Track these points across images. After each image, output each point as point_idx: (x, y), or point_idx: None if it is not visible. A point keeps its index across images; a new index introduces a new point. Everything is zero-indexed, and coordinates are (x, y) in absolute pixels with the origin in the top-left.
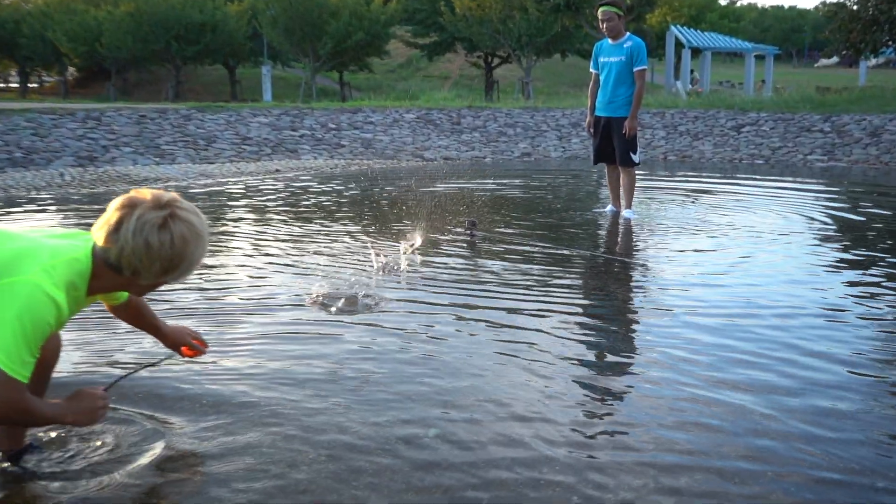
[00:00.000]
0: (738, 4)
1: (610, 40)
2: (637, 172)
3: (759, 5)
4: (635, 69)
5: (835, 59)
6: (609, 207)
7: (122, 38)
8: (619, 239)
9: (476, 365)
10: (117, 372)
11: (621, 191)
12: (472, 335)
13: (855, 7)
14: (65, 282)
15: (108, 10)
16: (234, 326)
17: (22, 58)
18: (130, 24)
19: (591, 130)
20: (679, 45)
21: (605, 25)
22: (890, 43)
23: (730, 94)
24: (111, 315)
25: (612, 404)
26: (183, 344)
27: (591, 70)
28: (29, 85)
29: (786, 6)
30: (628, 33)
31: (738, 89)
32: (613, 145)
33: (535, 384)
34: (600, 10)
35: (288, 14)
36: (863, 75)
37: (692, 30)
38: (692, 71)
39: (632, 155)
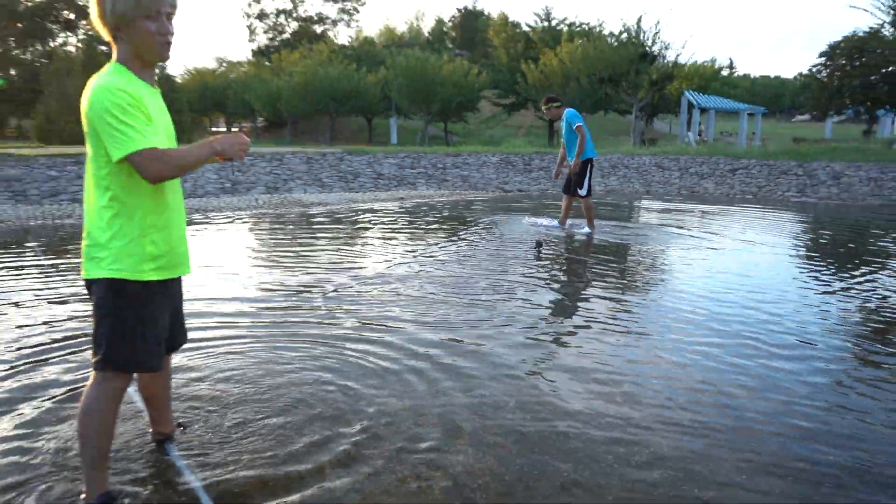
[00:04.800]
0: (735, 75)
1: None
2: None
3: (752, 75)
4: (574, 126)
5: (807, 116)
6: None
7: (295, 100)
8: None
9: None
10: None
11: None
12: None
13: (824, 79)
14: (111, 76)
15: (286, 80)
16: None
17: (227, 112)
18: (301, 91)
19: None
20: (690, 106)
21: (548, 115)
22: (850, 105)
23: (728, 144)
24: None
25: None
26: None
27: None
28: (232, 129)
29: (771, 76)
30: (565, 110)
31: (734, 139)
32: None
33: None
34: (543, 107)
35: (409, 83)
36: (829, 129)
37: (701, 94)
38: (700, 125)
39: (579, 190)
